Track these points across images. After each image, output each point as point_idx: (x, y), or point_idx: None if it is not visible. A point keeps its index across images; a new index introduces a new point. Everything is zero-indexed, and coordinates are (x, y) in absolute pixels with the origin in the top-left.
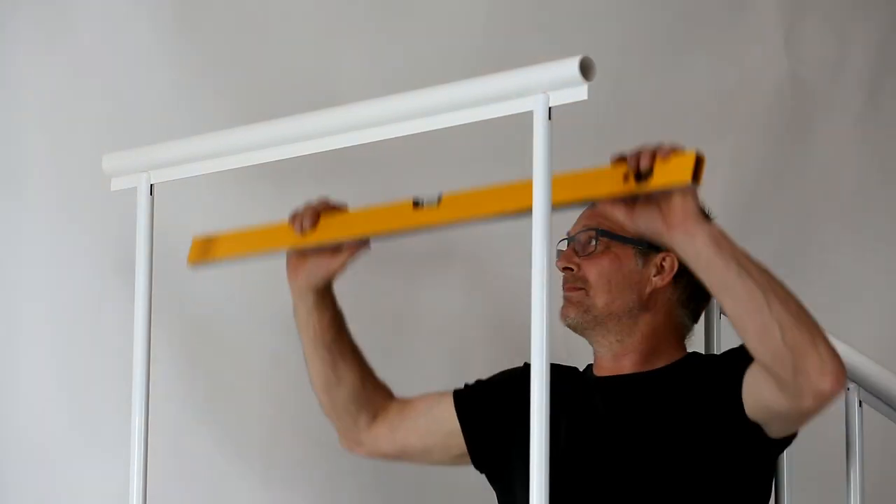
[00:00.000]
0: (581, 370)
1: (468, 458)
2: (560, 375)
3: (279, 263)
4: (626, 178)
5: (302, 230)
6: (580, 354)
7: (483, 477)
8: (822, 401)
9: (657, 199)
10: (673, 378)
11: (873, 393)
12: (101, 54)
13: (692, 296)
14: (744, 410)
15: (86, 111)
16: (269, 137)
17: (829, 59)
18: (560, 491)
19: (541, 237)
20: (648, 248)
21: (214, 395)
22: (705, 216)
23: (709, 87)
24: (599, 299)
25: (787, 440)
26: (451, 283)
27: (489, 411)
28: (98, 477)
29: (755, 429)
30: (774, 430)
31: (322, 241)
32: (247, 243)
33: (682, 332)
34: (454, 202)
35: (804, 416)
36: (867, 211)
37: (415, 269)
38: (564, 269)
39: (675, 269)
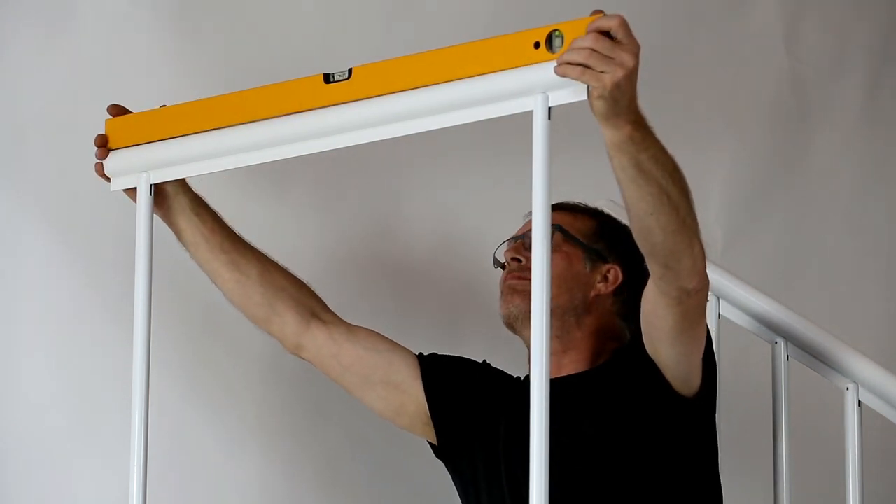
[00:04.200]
0: (521, 379)
1: (415, 424)
2: (499, 380)
3: None
4: (536, 45)
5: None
6: None
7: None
8: (686, 296)
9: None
10: (610, 373)
11: (873, 393)
12: (101, 54)
13: (630, 312)
14: (656, 367)
15: (86, 111)
16: (269, 137)
17: (829, 59)
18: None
19: (541, 236)
20: (597, 256)
21: (214, 394)
22: (636, 111)
23: (709, 86)
24: None
25: (700, 401)
26: (448, 284)
27: (460, 403)
28: (98, 477)
29: (666, 387)
30: (671, 370)
31: (239, 122)
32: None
33: (622, 340)
34: (367, 75)
35: (672, 314)
36: (867, 211)
37: (413, 270)
38: (513, 259)
39: (619, 281)
